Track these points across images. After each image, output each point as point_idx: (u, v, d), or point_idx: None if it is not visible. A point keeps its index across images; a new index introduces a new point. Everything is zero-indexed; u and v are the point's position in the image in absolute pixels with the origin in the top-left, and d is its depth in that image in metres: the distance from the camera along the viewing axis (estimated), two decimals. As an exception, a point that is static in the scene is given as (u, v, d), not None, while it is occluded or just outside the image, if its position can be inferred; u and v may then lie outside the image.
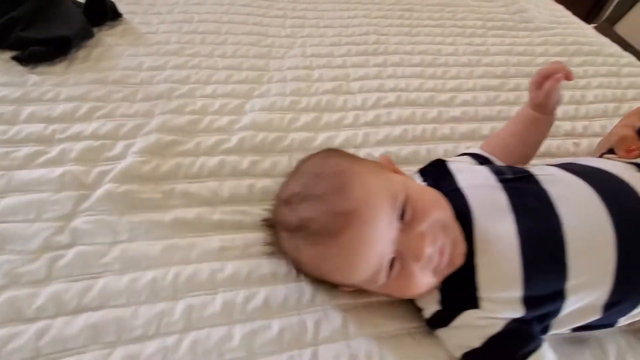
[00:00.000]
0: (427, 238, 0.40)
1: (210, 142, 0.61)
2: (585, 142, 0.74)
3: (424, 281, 0.42)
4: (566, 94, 0.84)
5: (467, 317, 0.41)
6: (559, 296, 0.41)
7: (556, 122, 0.78)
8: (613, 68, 0.95)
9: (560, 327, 0.43)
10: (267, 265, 0.49)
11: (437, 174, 0.53)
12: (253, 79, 0.75)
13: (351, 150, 0.65)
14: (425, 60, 0.87)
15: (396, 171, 0.49)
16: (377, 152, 0.65)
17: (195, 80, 0.72)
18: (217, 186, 0.55)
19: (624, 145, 0.55)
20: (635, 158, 0.52)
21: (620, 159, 0.54)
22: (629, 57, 1.01)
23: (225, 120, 0.65)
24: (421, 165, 0.56)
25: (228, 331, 0.43)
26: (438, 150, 0.68)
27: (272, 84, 0.75)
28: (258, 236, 0.51)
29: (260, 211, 0.54)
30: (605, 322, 0.44)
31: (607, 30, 1.64)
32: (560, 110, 0.80)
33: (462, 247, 0.43)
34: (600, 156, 0.60)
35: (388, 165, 0.49)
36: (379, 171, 0.45)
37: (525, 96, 0.82)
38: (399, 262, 0.41)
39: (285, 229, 0.44)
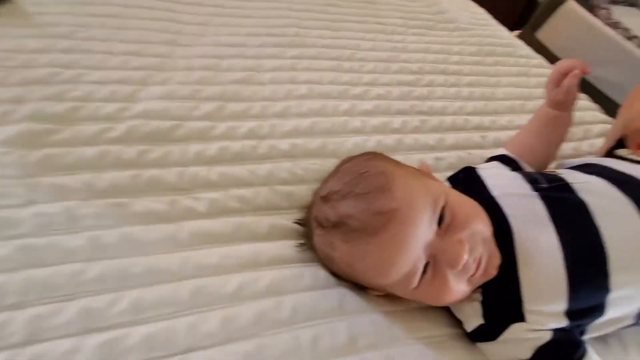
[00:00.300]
0: (466, 246, 0.39)
1: (91, 131, 0.55)
2: (492, 135, 0.76)
3: (458, 289, 0.41)
4: (477, 91, 0.86)
5: (515, 330, 0.41)
6: (600, 308, 0.42)
7: (466, 117, 0.80)
8: (523, 68, 0.99)
9: (595, 332, 0.44)
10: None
11: (467, 181, 0.52)
12: (153, 66, 0.70)
13: (255, 142, 0.63)
14: (343, 54, 0.86)
15: (433, 179, 0.48)
16: (283, 144, 0.63)
17: (84, 65, 0.65)
18: (91, 178, 0.49)
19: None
20: None
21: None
22: (539, 59, 1.07)
23: (112, 107, 0.59)
24: (332, 159, 0.55)
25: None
26: (347, 144, 0.66)
27: (176, 72, 0.70)
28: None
29: (147, 202, 0.49)
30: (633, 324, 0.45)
31: (529, 36, 1.74)
32: (470, 106, 0.83)
33: (497, 259, 0.42)
34: (611, 151, 0.61)
35: (426, 172, 0.49)
36: (419, 176, 0.45)
37: (438, 91, 0.84)
38: (432, 267, 0.40)
39: (321, 226, 0.43)
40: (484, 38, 1.07)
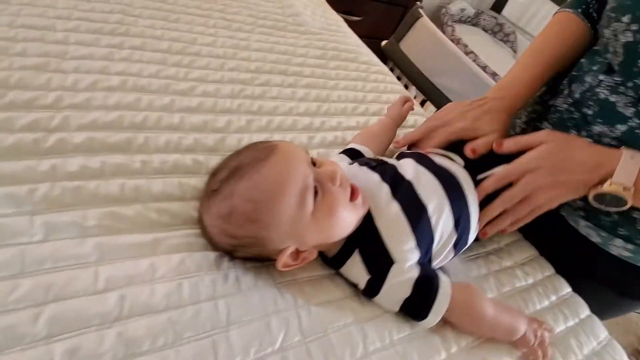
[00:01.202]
0: (339, 168, 0.53)
1: None
2: (319, 136, 0.79)
3: (345, 205, 0.51)
4: (312, 92, 0.89)
5: (394, 272, 0.52)
6: (431, 236, 0.55)
7: (296, 118, 0.82)
8: (363, 74, 1.05)
9: (436, 261, 0.58)
10: None
11: None
12: None
13: (42, 134, 0.56)
14: (174, 47, 0.82)
15: None
16: (77, 138, 0.57)
17: None
18: None
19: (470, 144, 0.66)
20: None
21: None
22: (380, 67, 1.14)
23: None
24: (139, 155, 0.58)
25: None
26: (159, 140, 0.63)
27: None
28: None
29: None
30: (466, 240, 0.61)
31: (394, 45, 1.88)
32: (302, 107, 0.85)
33: (366, 195, 0.54)
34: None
35: None
36: None
37: (273, 91, 0.84)
38: (320, 190, 0.50)
39: (212, 190, 0.50)
40: (329, 42, 1.11)
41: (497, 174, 0.61)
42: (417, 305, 0.53)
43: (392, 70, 1.82)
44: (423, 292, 0.52)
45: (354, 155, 0.69)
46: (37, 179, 0.51)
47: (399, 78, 1.69)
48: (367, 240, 0.53)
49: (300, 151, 0.52)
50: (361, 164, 0.62)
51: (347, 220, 0.52)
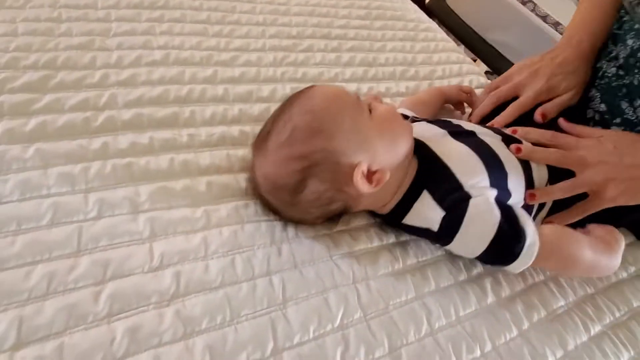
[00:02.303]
0: (394, 107, 0.56)
1: None
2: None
3: (397, 115, 0.52)
4: (358, 56, 0.83)
5: (473, 204, 0.47)
6: (507, 190, 0.51)
7: (341, 84, 0.77)
8: (411, 33, 0.98)
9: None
10: None
11: None
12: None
13: (92, 113, 0.55)
14: (213, 17, 0.79)
15: None
16: (125, 115, 0.56)
17: None
18: None
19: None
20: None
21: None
22: (428, 24, 1.06)
23: None
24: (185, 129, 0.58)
25: None
26: (205, 112, 0.61)
27: (-4, 37, 0.60)
28: None
29: None
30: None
31: (440, 1, 1.75)
32: (348, 73, 0.80)
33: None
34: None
35: None
36: None
37: (316, 57, 0.80)
38: (371, 107, 0.50)
39: (265, 134, 0.49)
40: (374, 1, 1.03)
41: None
42: (503, 246, 0.47)
43: (439, 29, 1.70)
44: (509, 231, 0.47)
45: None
46: (90, 157, 0.51)
47: (448, 37, 1.57)
48: (436, 178, 0.49)
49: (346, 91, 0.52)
50: (415, 121, 0.58)
51: (404, 131, 0.50)
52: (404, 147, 0.50)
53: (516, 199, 0.52)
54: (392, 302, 0.47)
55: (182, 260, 0.45)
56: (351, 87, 0.76)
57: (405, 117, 0.64)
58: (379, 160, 0.48)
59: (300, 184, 0.47)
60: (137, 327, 0.39)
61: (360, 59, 0.83)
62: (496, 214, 0.47)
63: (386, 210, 0.52)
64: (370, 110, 0.50)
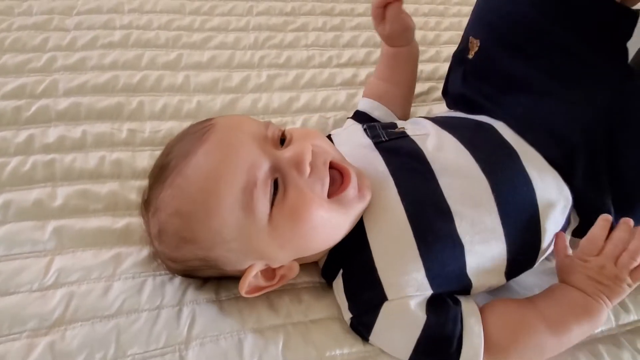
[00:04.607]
0: (308, 144, 0.35)
1: None
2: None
3: (319, 204, 0.34)
4: (362, 36, 0.71)
5: (385, 312, 0.36)
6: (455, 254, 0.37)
7: (334, 70, 0.65)
8: (440, 7, 0.82)
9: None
10: None
11: None
12: None
13: (26, 101, 0.51)
14: None
15: None
16: (61, 104, 0.51)
17: None
18: None
19: None
20: None
21: None
22: (466, -4, 0.89)
23: None
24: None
25: None
26: (155, 105, 0.54)
27: None
28: None
29: None
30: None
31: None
32: (346, 56, 0.67)
33: (366, 179, 0.38)
34: None
35: None
36: None
37: (309, 37, 0.69)
38: (282, 181, 0.35)
39: (143, 203, 0.38)
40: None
41: None
42: (434, 354, 0.36)
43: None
44: (438, 337, 0.35)
45: (363, 119, 0.51)
46: (11, 152, 0.46)
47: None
48: (352, 262, 0.38)
49: (250, 126, 0.36)
50: (370, 136, 0.44)
51: (325, 226, 0.35)
52: (319, 249, 0.38)
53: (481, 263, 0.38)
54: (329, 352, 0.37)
55: (81, 279, 0.39)
56: (346, 73, 0.64)
57: (364, 118, 0.51)
58: (283, 258, 0.37)
59: (187, 275, 0.39)
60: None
61: (365, 38, 0.71)
62: (418, 320, 0.35)
63: (320, 264, 0.41)
64: (277, 187, 0.35)
